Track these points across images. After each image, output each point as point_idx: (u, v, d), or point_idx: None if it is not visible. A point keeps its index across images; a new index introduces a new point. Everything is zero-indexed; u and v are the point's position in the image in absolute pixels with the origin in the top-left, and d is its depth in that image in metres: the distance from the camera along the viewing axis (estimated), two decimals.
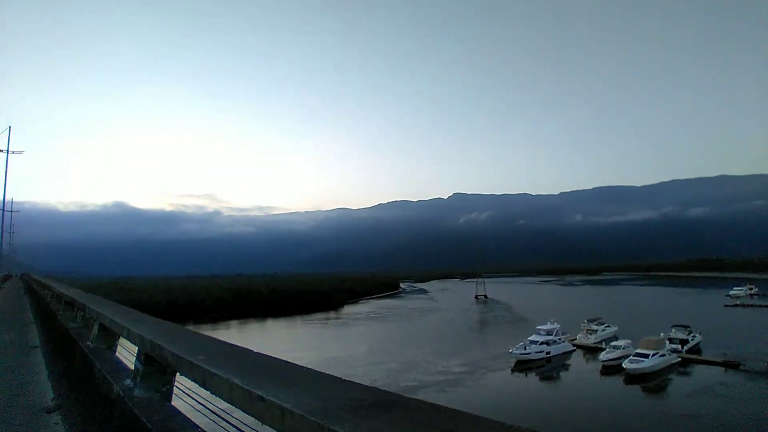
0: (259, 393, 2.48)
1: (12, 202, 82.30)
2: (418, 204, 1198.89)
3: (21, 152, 61.18)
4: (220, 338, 4.91)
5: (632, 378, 46.60)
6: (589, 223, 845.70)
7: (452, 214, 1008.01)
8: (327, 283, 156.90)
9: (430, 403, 2.35)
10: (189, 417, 4.04)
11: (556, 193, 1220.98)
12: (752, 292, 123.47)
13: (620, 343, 53.63)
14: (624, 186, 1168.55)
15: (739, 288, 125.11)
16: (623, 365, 48.17)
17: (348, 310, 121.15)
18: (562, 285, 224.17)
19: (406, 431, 1.91)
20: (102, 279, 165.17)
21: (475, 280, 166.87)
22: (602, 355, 52.42)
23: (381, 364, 52.63)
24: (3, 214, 66.66)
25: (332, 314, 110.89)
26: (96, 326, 8.25)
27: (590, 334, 65.29)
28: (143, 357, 4.86)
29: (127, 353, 7.07)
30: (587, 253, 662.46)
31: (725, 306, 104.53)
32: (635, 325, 71.78)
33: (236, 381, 2.73)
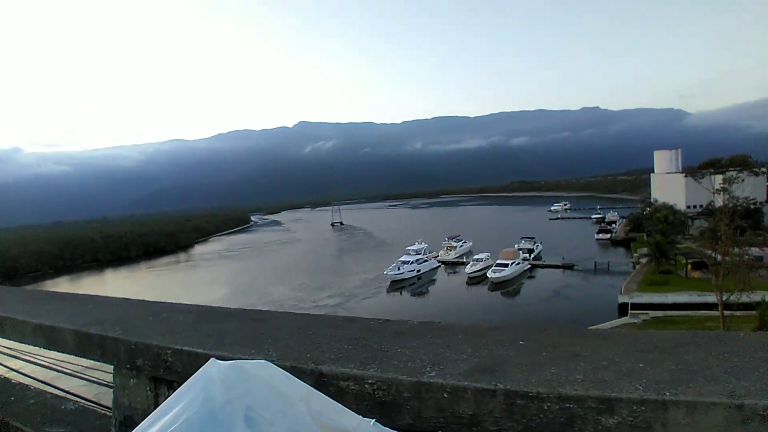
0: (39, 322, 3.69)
1: None
2: (262, 133, 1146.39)
3: None
4: None
5: (495, 285, 50.85)
6: (428, 150, 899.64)
7: (298, 143, 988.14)
8: (170, 222, 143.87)
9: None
10: None
11: (399, 122, 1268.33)
12: (566, 207, 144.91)
13: (481, 256, 57.74)
14: (459, 117, 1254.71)
15: (558, 204, 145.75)
16: (487, 275, 52.13)
17: (199, 250, 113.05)
18: (410, 208, 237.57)
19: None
20: None
21: (330, 208, 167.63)
22: (468, 268, 56.14)
23: (245, 307, 48.63)
24: None
25: (182, 256, 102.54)
26: None
27: (450, 250, 69.54)
28: None
29: None
30: (427, 178, 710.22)
31: (550, 219, 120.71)
32: (485, 240, 78.37)
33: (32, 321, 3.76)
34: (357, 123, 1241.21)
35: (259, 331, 2.96)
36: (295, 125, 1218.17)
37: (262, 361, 1.23)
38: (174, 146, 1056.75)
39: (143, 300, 4.31)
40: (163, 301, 4.26)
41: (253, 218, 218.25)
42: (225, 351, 2.57)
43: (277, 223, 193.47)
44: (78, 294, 4.99)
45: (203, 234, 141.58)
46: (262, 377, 1.11)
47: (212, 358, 1.17)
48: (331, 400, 1.30)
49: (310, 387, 1.26)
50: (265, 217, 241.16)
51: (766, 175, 69.83)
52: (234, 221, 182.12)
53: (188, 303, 4.41)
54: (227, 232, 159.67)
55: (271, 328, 3.02)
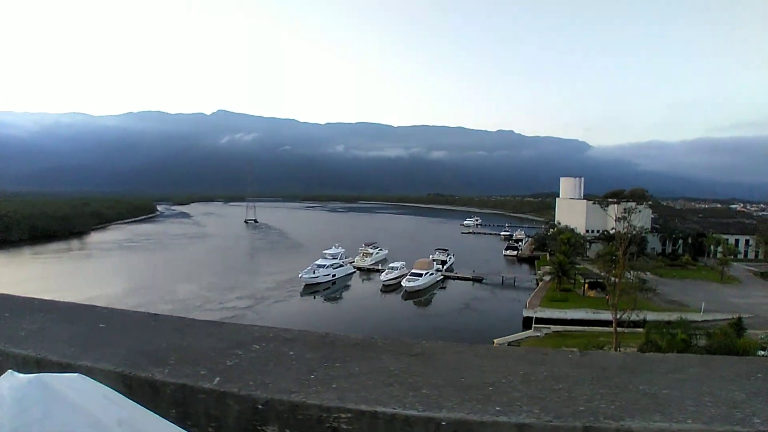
0: None
1: None
2: (177, 117, 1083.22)
3: None
4: None
5: (409, 294, 51.72)
6: (350, 155, 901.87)
7: (215, 132, 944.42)
8: (65, 205, 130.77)
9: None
10: None
11: (323, 123, 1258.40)
12: (478, 222, 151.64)
13: (397, 264, 58.60)
14: (383, 124, 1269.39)
15: (470, 219, 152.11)
16: (402, 284, 52.92)
17: (96, 238, 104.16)
18: (328, 211, 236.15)
19: None
20: None
21: (245, 204, 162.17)
22: (383, 276, 56.61)
23: (145, 306, 44.69)
24: None
25: (75, 244, 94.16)
26: None
27: (366, 257, 69.88)
28: None
29: None
30: (346, 182, 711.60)
31: (462, 233, 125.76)
32: (401, 248, 79.69)
33: None
34: (279, 119, 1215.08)
35: (454, 374, 1.62)
36: (213, 113, 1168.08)
37: (75, 375, 0.94)
38: (75, 120, 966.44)
39: (186, 319, 2.23)
40: (222, 320, 2.28)
41: (159, 208, 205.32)
42: (462, 410, 1.34)
43: (186, 215, 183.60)
44: (61, 302, 2.46)
45: (102, 221, 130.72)
46: (70, 396, 0.84)
47: (9, 370, 0.86)
48: (165, 421, 1.01)
49: (138, 406, 0.98)
50: (173, 207, 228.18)
51: (651, 208, 78.44)
52: (138, 209, 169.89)
53: (266, 325, 2.14)
54: (130, 220, 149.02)
55: (457, 368, 1.71)
